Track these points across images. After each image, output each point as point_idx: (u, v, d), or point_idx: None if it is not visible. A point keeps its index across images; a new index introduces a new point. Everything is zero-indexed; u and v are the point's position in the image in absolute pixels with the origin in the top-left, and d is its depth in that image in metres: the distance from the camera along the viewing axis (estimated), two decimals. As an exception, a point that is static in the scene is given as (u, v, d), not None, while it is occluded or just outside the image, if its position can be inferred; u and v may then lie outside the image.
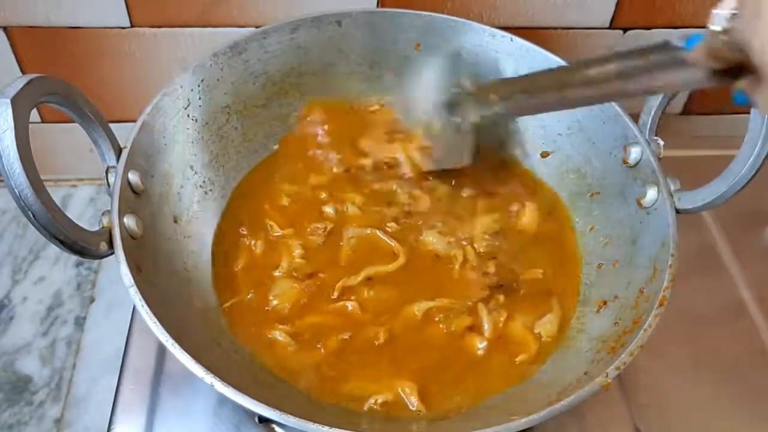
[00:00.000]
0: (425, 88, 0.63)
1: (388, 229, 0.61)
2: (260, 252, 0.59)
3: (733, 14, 0.34)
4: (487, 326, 0.55)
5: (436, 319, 0.55)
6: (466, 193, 0.64)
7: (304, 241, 0.60)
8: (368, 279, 0.57)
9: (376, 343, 0.54)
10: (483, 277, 0.58)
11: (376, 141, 0.66)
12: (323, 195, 0.63)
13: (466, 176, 0.65)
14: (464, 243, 0.60)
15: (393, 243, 0.60)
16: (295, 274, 0.57)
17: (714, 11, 0.36)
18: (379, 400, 0.51)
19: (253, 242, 0.59)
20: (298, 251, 0.59)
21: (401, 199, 0.63)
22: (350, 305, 0.56)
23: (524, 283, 0.59)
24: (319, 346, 0.53)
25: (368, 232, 0.60)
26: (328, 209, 0.62)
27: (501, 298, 0.57)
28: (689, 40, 0.39)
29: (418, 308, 0.56)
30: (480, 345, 0.54)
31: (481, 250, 0.60)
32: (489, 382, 0.53)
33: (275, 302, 0.56)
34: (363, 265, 0.58)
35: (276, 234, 0.60)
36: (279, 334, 0.54)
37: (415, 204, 0.63)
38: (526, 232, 0.62)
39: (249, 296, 0.56)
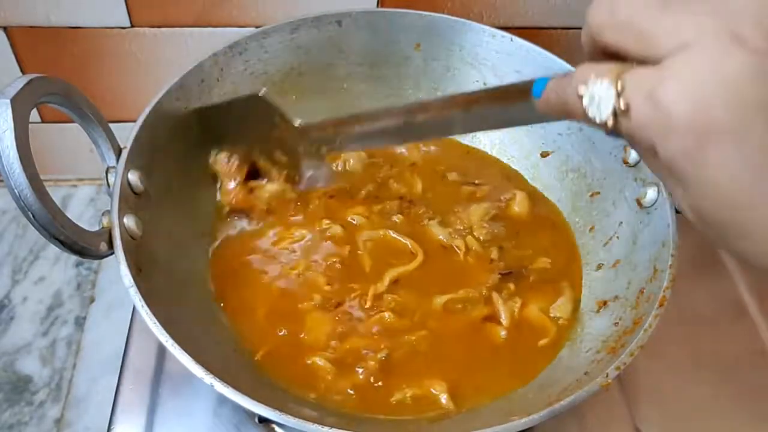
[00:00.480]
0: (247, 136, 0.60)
1: (396, 220, 0.61)
2: (278, 289, 0.57)
3: (623, 110, 0.28)
4: (504, 315, 0.55)
5: (459, 306, 0.56)
6: (451, 177, 0.66)
7: (323, 270, 0.58)
8: (394, 282, 0.57)
9: (420, 348, 0.53)
10: (490, 263, 0.59)
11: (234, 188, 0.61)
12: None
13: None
14: (464, 232, 0.61)
15: (408, 241, 0.60)
16: (326, 306, 0.56)
17: (582, 94, 0.29)
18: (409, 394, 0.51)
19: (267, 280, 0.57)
20: (322, 280, 0.57)
21: (396, 188, 0.64)
22: (387, 315, 0.55)
23: (533, 271, 0.59)
24: (359, 369, 0.52)
25: (381, 233, 0.60)
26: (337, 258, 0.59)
27: (512, 286, 0.58)
28: (537, 84, 0.35)
29: (438, 301, 0.56)
30: (501, 334, 0.55)
31: (482, 237, 0.61)
32: (518, 371, 0.53)
33: (308, 337, 0.54)
34: (383, 269, 0.58)
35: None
36: (319, 360, 0.52)
37: (411, 190, 0.64)
38: (520, 219, 0.63)
39: (281, 332, 0.54)
